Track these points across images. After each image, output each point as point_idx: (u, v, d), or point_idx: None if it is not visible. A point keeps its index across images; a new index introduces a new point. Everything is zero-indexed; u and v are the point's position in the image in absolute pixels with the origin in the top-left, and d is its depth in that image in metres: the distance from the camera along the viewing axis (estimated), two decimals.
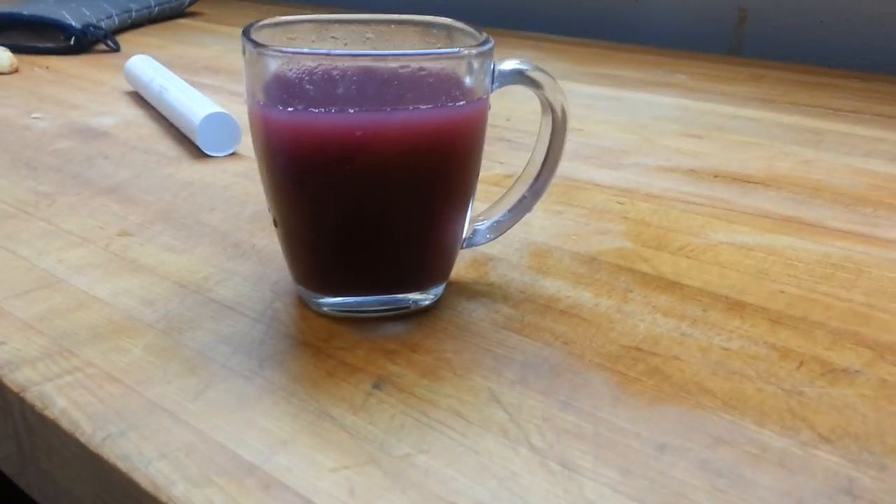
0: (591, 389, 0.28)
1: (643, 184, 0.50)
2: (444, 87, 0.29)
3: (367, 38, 0.35)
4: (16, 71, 0.77)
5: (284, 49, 0.28)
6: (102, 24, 0.91)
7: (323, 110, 0.28)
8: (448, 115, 0.29)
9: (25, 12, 0.87)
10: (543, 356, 0.30)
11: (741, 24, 1.00)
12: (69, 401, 0.26)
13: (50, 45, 0.87)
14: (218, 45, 0.94)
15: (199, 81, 0.73)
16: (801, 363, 0.30)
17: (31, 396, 0.27)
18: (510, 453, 0.24)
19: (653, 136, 0.61)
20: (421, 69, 0.29)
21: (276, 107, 0.29)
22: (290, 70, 0.29)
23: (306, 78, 0.28)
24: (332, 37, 0.35)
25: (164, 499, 0.22)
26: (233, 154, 0.54)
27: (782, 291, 0.36)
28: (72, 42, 0.86)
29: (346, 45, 0.35)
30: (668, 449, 0.25)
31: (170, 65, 0.69)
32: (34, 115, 0.62)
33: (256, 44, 0.29)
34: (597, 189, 0.49)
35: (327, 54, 0.28)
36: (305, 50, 0.29)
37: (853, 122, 0.66)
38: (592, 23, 1.08)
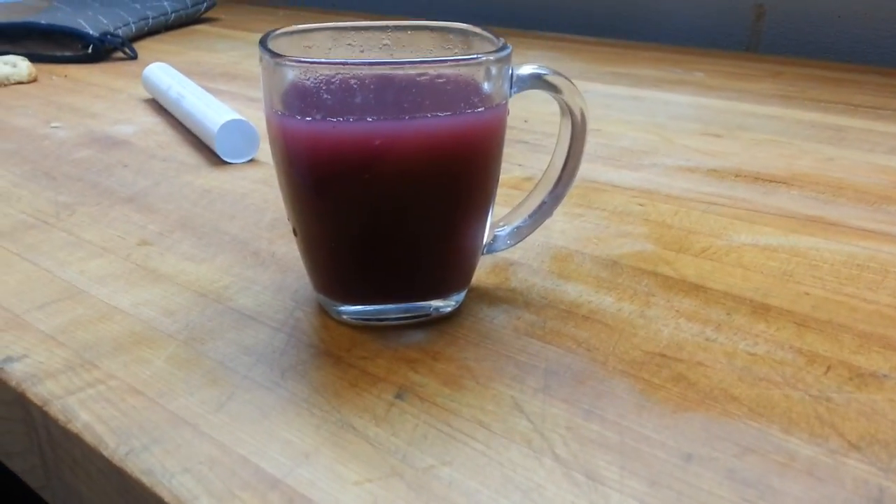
0: (616, 397, 0.27)
1: (663, 185, 0.49)
2: (463, 93, 0.29)
3: (384, 45, 0.35)
4: (34, 80, 0.78)
5: (301, 59, 0.28)
6: (119, 32, 0.91)
7: (341, 119, 0.28)
8: (467, 122, 0.29)
9: (43, 21, 0.87)
10: (566, 363, 0.30)
11: (759, 21, 0.99)
12: (92, 414, 0.26)
13: (68, 53, 0.87)
14: (234, 51, 0.94)
15: (216, 88, 0.73)
16: (829, 368, 0.29)
17: (55, 410, 0.27)
18: (534, 464, 0.24)
19: (672, 136, 0.60)
20: (439, 76, 0.28)
21: (294, 117, 0.29)
22: (308, 79, 0.28)
23: (324, 87, 0.28)
24: (349, 44, 0.35)
25: None
26: (251, 160, 0.54)
27: (807, 294, 0.35)
28: (89, 50, 0.86)
29: (362, 51, 0.35)
30: (694, 458, 0.24)
31: (186, 72, 0.69)
32: (53, 125, 0.62)
33: (273, 54, 0.29)
34: (617, 191, 0.48)
35: (344, 63, 0.28)
36: (323, 59, 0.28)
37: (874, 118, 0.65)
38: (609, 22, 1.07)
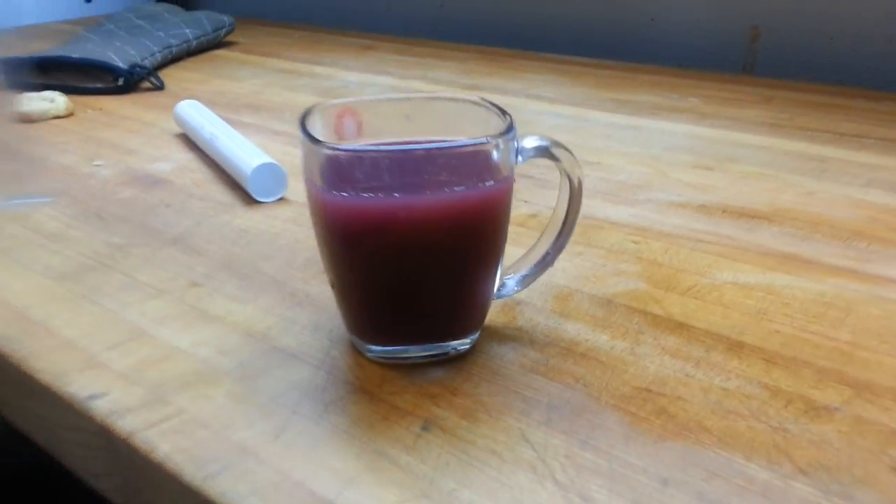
0: (607, 429, 0.33)
1: (656, 221, 0.54)
2: (475, 168, 0.34)
3: (406, 115, 0.40)
4: (71, 114, 0.83)
5: (337, 146, 0.34)
6: (146, 63, 0.97)
7: (372, 195, 0.33)
8: (479, 194, 0.34)
9: (75, 55, 0.93)
10: (566, 398, 0.35)
11: (754, 42, 1.04)
12: (170, 445, 0.32)
13: (99, 85, 0.93)
14: (255, 78, 0.99)
15: (241, 120, 0.79)
16: (789, 402, 0.34)
17: (138, 442, 0.32)
18: (538, 488, 0.29)
19: (666, 169, 0.65)
20: (454, 155, 0.34)
21: (330, 191, 0.34)
22: (342, 157, 0.34)
23: (356, 164, 0.34)
24: (375, 115, 0.40)
25: None
26: (280, 199, 0.59)
27: (778, 331, 0.40)
28: (120, 82, 0.92)
29: (387, 121, 0.40)
30: (670, 483, 0.30)
31: (211, 102, 0.75)
32: (95, 163, 0.67)
33: (313, 139, 0.34)
34: (613, 228, 0.53)
35: (376, 151, 0.33)
36: (356, 147, 0.34)
37: (857, 147, 0.70)
38: (610, 42, 1.12)
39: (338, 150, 0.34)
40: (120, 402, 0.35)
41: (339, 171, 0.34)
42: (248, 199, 0.59)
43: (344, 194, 0.34)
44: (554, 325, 0.41)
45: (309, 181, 0.35)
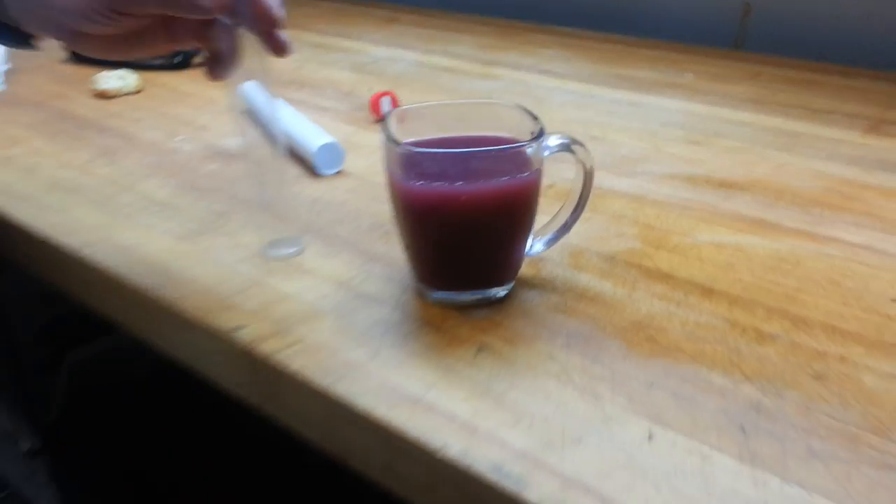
0: (611, 351, 0.45)
1: (651, 191, 0.67)
2: (515, 162, 0.46)
3: (458, 117, 0.52)
4: (140, 91, 0.95)
5: (413, 148, 0.46)
6: None
7: (441, 183, 0.45)
8: (518, 183, 0.46)
9: None
10: (580, 330, 0.47)
11: (745, 17, 1.15)
12: (300, 363, 0.45)
13: (159, 62, 1.04)
14: (293, 53, 1.10)
15: (289, 96, 0.90)
16: (743, 331, 0.47)
17: (276, 360, 0.45)
18: (562, 389, 0.42)
19: (661, 144, 0.77)
20: (500, 153, 0.46)
21: (407, 180, 0.46)
22: (418, 156, 0.46)
23: (427, 159, 0.46)
24: (437, 115, 0.52)
25: (376, 416, 0.40)
26: (338, 172, 0.71)
27: (740, 280, 0.53)
28: (176, 60, 1.03)
29: (445, 120, 0.52)
30: (655, 385, 0.43)
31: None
32: (178, 139, 0.79)
33: (394, 141, 0.46)
34: (616, 197, 0.66)
35: (443, 151, 0.45)
36: (426, 150, 0.46)
37: (826, 122, 0.82)
38: (612, 15, 1.23)
39: (416, 150, 0.46)
40: (256, 332, 0.47)
41: (416, 165, 0.46)
42: (312, 172, 0.71)
43: (419, 183, 0.46)
44: (570, 276, 0.53)
45: (390, 170, 0.48)
